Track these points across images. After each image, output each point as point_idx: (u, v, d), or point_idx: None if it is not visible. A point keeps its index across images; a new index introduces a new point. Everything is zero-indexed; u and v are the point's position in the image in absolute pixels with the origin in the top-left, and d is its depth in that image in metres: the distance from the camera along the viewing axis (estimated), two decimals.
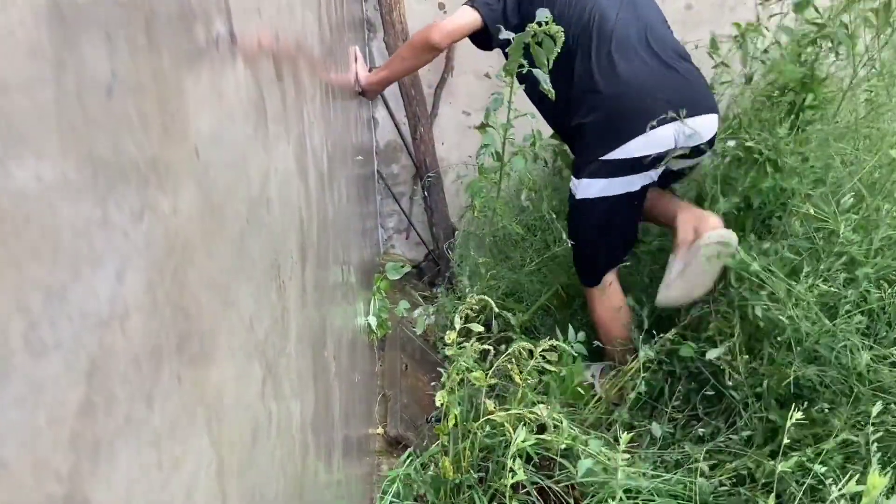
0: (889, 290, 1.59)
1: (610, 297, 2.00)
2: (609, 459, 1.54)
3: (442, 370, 1.67)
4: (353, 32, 2.43)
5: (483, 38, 1.95)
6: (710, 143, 1.90)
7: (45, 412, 0.23)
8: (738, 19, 2.71)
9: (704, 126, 1.84)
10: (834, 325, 1.55)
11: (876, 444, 1.36)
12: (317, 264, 0.95)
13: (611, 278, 2.00)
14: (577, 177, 1.92)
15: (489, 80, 2.87)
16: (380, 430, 1.99)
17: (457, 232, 2.86)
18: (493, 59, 2.85)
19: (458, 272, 2.42)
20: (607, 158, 1.84)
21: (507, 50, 1.71)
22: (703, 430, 1.76)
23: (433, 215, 2.76)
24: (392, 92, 2.81)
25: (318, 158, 1.04)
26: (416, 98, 2.69)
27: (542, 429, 1.67)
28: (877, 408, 1.29)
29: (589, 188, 1.89)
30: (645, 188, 1.89)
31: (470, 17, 1.89)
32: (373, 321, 1.89)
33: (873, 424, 1.33)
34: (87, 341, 0.26)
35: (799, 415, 1.19)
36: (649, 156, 1.80)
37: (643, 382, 1.85)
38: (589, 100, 1.86)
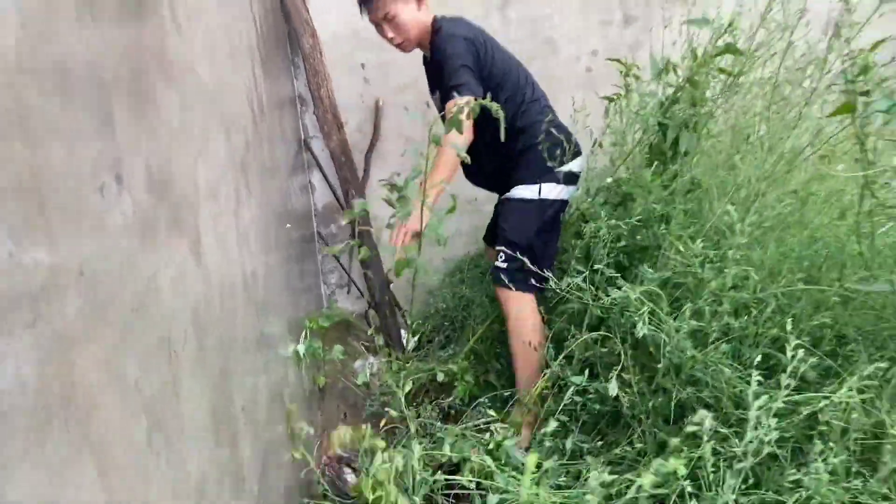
0: (745, 318, 1.84)
1: (535, 306, 2.33)
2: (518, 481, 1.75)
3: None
4: (284, 109, 2.67)
5: None
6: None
7: None
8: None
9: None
10: (704, 353, 1.79)
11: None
12: (220, 333, 1.15)
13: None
14: (535, 182, 2.31)
15: (414, 143, 3.13)
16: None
17: (391, 284, 3.08)
18: (417, 126, 3.12)
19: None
20: (561, 170, 2.30)
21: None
22: (600, 443, 2.00)
23: (368, 269, 2.97)
24: (326, 159, 3.05)
25: (225, 244, 1.25)
26: (346, 163, 2.92)
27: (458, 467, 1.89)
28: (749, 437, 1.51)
29: (552, 191, 2.31)
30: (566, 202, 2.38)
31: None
32: (301, 349, 2.06)
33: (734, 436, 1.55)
34: None
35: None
36: (578, 174, 2.36)
37: (551, 407, 2.09)
38: (538, 128, 2.30)
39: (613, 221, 2.19)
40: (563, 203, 2.37)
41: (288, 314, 2.10)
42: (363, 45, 3.01)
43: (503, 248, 2.33)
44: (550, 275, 2.21)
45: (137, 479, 0.74)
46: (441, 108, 2.28)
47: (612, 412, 2.09)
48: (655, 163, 2.29)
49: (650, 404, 1.94)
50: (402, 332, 3.15)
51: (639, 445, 1.92)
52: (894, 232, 1.70)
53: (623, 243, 2.23)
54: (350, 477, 2.07)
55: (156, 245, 0.86)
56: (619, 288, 2.01)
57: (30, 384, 0.53)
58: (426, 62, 2.49)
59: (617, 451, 1.96)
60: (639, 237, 2.25)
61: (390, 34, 2.28)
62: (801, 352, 1.50)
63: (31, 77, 0.58)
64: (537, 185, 2.31)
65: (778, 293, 1.85)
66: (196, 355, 0.98)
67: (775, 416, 1.48)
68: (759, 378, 1.59)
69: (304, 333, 2.14)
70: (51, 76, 0.62)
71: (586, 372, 2.06)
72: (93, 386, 0.64)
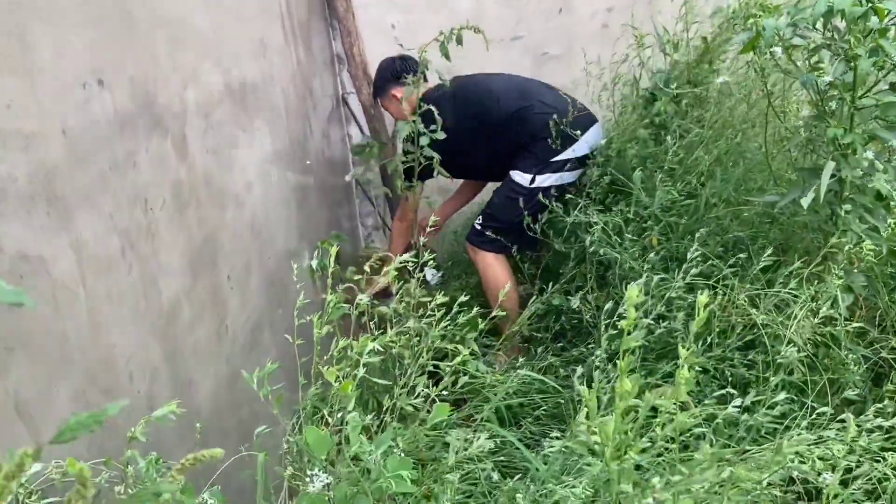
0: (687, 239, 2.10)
1: (503, 261, 2.70)
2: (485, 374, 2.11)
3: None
4: (317, 66, 3.07)
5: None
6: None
7: None
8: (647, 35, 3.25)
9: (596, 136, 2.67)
10: (639, 264, 2.07)
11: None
12: (204, 216, 1.56)
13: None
14: (530, 172, 2.63)
15: None
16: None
17: None
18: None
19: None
20: (561, 159, 2.60)
21: None
22: (560, 345, 2.32)
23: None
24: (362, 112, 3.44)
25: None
26: (376, 116, 3.30)
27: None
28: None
29: (546, 180, 2.61)
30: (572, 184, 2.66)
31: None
32: (314, 263, 2.47)
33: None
34: None
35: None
36: (585, 155, 2.62)
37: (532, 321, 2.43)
38: (533, 130, 2.62)
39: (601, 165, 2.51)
40: (560, 186, 2.62)
41: (313, 240, 2.52)
42: (393, 7, 3.37)
43: (484, 218, 2.71)
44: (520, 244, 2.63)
45: (109, 274, 1.14)
46: None
47: (577, 325, 2.39)
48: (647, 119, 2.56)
49: (605, 312, 2.23)
50: (428, 269, 3.51)
51: (592, 346, 2.22)
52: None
53: (608, 180, 2.51)
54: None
55: (135, 134, 1.26)
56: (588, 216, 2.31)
57: (20, 180, 0.93)
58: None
59: (574, 351, 2.26)
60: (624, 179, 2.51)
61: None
62: (697, 256, 1.76)
63: (28, 9, 0.98)
64: (531, 175, 2.63)
65: (713, 216, 2.09)
66: (173, 217, 1.38)
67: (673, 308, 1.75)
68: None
69: (316, 252, 2.54)
70: (46, 9, 1.02)
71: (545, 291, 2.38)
72: (70, 199, 1.04)
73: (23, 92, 0.95)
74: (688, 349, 1.51)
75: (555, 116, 2.56)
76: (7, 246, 0.89)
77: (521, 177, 2.65)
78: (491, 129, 2.67)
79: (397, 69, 2.81)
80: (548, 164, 2.61)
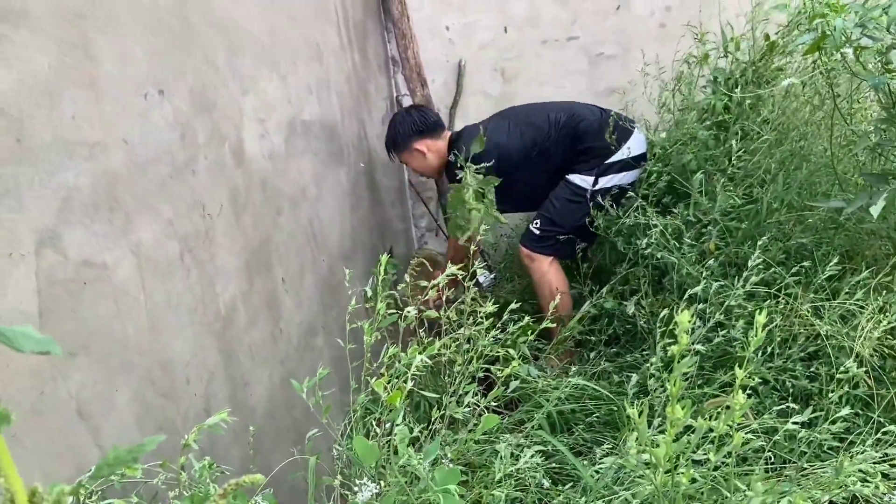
0: (747, 245, 2.03)
1: (557, 263, 2.65)
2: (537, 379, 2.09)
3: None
4: (371, 69, 3.09)
5: None
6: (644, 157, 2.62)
7: None
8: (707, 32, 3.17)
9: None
10: (697, 270, 2.01)
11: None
12: (259, 220, 1.58)
13: None
14: (591, 175, 2.59)
15: (493, 99, 3.45)
16: None
17: None
18: (497, 83, 3.44)
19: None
20: (616, 159, 2.55)
21: None
22: (614, 350, 2.28)
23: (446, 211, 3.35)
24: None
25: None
26: None
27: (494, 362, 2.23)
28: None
29: (611, 181, 2.57)
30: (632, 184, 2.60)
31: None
32: (368, 290, 2.48)
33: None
34: None
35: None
36: (640, 154, 2.57)
37: (585, 324, 2.40)
38: (585, 127, 2.61)
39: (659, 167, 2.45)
40: (623, 186, 2.58)
41: (366, 242, 2.53)
42: (448, 9, 3.37)
43: (543, 222, 2.64)
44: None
45: (168, 279, 1.17)
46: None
47: (631, 329, 2.35)
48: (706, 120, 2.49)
49: (660, 317, 2.18)
50: (480, 271, 3.50)
51: (647, 353, 2.18)
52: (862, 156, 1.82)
53: (665, 181, 2.46)
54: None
55: (195, 141, 1.29)
56: (647, 217, 2.27)
57: (84, 189, 0.96)
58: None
59: (629, 357, 2.22)
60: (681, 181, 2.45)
61: (414, 172, 2.98)
62: (759, 263, 1.70)
63: (91, 20, 1.01)
64: (592, 178, 2.58)
65: (775, 221, 2.02)
66: (230, 222, 1.41)
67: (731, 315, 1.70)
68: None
69: (371, 280, 2.56)
70: (108, 20, 1.05)
71: (598, 295, 2.34)
72: (131, 206, 1.07)
73: (87, 103, 0.98)
74: (744, 367, 1.47)
75: (599, 124, 2.57)
76: (72, 253, 0.92)
77: (582, 180, 2.60)
78: (545, 147, 2.65)
79: (417, 122, 2.74)
80: (609, 166, 2.57)
